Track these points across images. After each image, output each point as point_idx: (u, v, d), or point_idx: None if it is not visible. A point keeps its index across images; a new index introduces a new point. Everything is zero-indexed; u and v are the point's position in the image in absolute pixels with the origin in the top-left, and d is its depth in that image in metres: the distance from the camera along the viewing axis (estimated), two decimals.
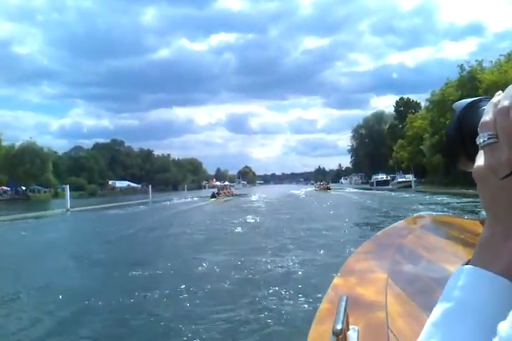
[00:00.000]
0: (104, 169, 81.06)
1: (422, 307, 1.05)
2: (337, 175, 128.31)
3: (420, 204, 18.64)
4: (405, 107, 69.69)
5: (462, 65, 36.73)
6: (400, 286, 1.27)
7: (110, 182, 79.30)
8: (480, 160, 0.37)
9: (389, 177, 54.76)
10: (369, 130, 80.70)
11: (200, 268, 6.70)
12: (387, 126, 74.26)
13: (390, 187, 47.63)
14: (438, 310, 0.36)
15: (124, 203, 29.09)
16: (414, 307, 1.08)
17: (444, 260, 1.54)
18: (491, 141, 0.35)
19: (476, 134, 0.37)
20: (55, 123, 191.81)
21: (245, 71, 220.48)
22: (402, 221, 2.75)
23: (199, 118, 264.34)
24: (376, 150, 73.94)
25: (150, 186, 40.65)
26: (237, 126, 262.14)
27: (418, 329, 1.00)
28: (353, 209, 18.56)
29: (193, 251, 8.44)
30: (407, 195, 28.62)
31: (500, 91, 0.37)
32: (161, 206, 26.90)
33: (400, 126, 66.90)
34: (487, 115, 0.36)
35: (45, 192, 58.76)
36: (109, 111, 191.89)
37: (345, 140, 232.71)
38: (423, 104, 63.83)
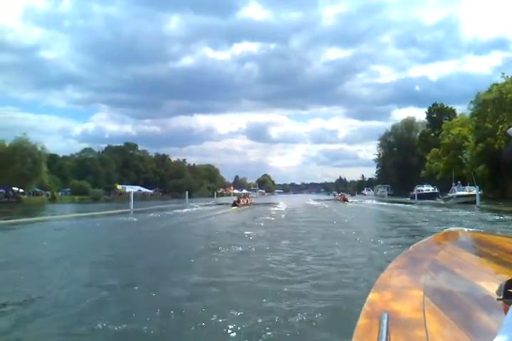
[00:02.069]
0: (112, 172, 77.08)
1: (460, 325, 1.05)
2: (359, 186, 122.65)
3: None
4: (439, 114, 63.96)
5: None
6: (437, 303, 1.23)
7: (120, 186, 74.94)
8: None
9: (436, 190, 43.37)
10: (398, 138, 74.50)
11: None
12: (418, 134, 68.54)
13: (440, 202, 36.20)
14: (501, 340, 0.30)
15: (74, 215, 23.18)
16: (453, 326, 1.06)
17: (478, 278, 1.52)
18: None
19: None
20: (78, 127, 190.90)
21: (267, 80, 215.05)
22: (432, 236, 2.66)
23: (220, 126, 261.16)
24: (405, 159, 68.10)
25: (132, 192, 33.20)
26: (257, 134, 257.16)
27: None
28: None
29: None
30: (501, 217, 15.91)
31: None
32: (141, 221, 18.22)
33: (433, 134, 61.39)
34: None
35: (47, 195, 55.16)
36: (133, 117, 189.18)
37: (366, 151, 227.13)
38: (458, 112, 58.55)
